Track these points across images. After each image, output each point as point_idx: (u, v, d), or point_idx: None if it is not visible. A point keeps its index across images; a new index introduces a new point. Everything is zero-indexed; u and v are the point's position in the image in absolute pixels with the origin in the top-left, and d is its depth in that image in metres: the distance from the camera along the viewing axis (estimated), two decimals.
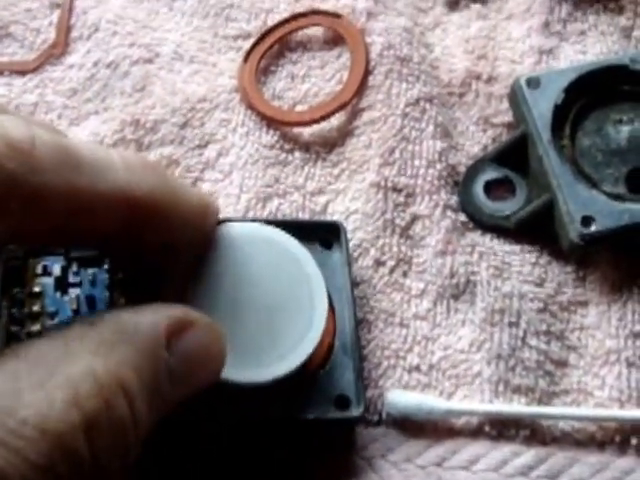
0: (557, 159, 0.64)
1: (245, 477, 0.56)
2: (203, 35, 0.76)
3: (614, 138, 0.66)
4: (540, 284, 0.64)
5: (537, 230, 0.66)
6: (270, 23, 0.75)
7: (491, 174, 0.68)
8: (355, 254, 0.64)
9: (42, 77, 0.73)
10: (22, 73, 0.72)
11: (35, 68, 0.73)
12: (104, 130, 0.69)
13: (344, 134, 0.70)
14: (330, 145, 0.70)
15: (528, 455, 0.58)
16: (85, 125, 0.70)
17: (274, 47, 0.74)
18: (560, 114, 0.66)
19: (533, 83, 0.67)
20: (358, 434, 0.58)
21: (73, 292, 0.53)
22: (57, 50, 0.74)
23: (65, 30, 0.75)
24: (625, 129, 0.67)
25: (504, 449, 0.58)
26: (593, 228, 0.61)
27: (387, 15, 0.75)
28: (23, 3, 0.77)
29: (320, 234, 0.62)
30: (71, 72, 0.73)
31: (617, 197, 0.63)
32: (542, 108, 0.66)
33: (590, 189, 0.63)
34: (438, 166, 0.67)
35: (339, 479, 0.57)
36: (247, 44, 0.74)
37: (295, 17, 0.75)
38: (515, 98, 0.67)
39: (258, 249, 0.55)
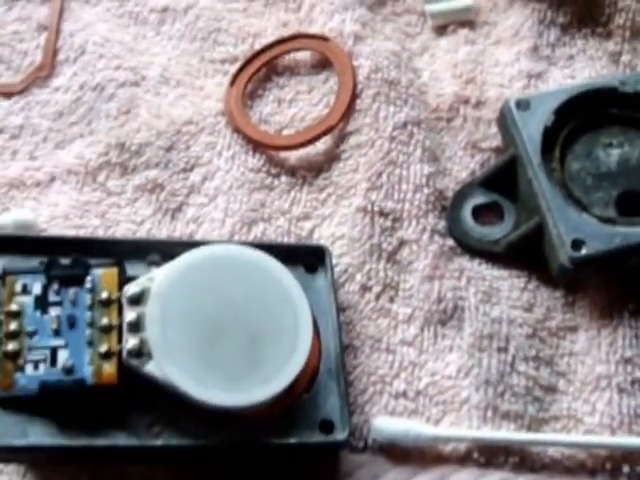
0: (547, 182, 0.61)
1: None
2: (190, 59, 0.74)
3: (604, 161, 0.64)
4: (529, 309, 0.62)
5: (526, 255, 0.63)
6: (257, 47, 0.73)
7: (479, 199, 0.66)
8: (341, 279, 0.62)
9: (28, 100, 0.71)
10: (8, 95, 0.71)
11: (21, 90, 0.71)
12: (89, 153, 0.67)
13: (331, 158, 0.68)
14: (316, 169, 0.68)
15: None
16: (70, 148, 0.68)
17: (261, 71, 0.72)
18: (550, 137, 0.64)
19: (523, 105, 0.64)
20: (343, 460, 0.56)
21: (53, 311, 0.51)
22: (43, 72, 0.71)
23: (52, 52, 0.72)
24: (615, 152, 0.64)
25: (493, 476, 0.56)
26: (584, 251, 0.59)
27: (374, 39, 0.73)
28: (11, 26, 0.75)
29: (305, 258, 0.60)
30: (57, 95, 0.71)
31: (607, 220, 0.61)
32: (532, 130, 0.63)
33: (580, 212, 0.61)
34: (426, 190, 0.65)
35: None
36: (234, 68, 0.72)
37: (282, 40, 0.73)
38: (504, 120, 0.65)
39: (241, 272, 0.53)
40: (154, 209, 0.65)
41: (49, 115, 0.70)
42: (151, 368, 0.49)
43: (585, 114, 0.65)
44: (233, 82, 0.71)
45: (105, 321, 0.51)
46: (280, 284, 0.53)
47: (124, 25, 0.75)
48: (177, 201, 0.65)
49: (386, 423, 0.56)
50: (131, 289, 0.51)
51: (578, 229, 0.59)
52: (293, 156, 0.68)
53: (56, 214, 0.64)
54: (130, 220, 0.64)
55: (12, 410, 0.49)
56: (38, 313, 0.51)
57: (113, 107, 0.70)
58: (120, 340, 0.50)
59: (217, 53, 0.74)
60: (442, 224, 0.65)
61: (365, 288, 0.62)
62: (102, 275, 0.52)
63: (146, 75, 0.72)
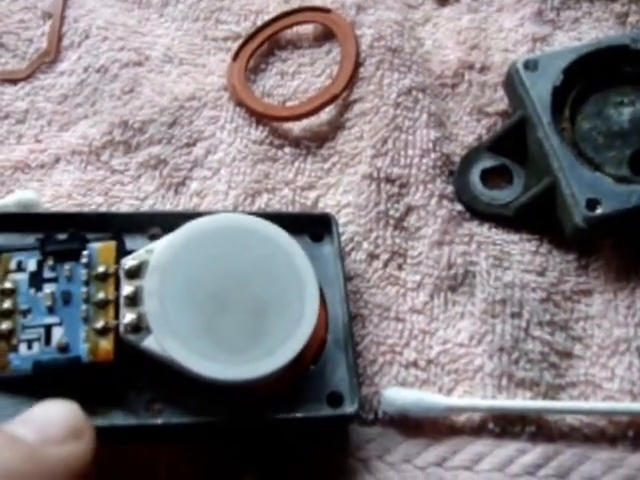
0: (558, 141, 0.56)
1: (233, 476, 0.49)
2: (193, 38, 0.69)
3: (616, 120, 0.59)
4: (542, 273, 0.57)
5: (537, 218, 0.59)
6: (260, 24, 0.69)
7: (487, 162, 0.61)
8: (348, 248, 0.57)
9: (33, 85, 0.66)
10: (14, 82, 0.66)
11: (27, 76, 0.66)
12: (92, 133, 0.62)
13: (335, 127, 0.64)
14: (321, 139, 0.63)
15: (535, 453, 0.51)
16: (74, 129, 0.63)
17: (264, 45, 0.68)
18: (559, 97, 0.59)
19: (531, 65, 0.59)
20: (353, 434, 0.51)
21: (48, 288, 0.47)
22: (48, 58, 0.67)
23: (57, 38, 0.68)
24: (627, 111, 0.59)
25: (509, 447, 0.51)
26: (599, 211, 0.54)
27: (377, 9, 0.68)
28: (16, 14, 0.70)
29: (310, 227, 0.55)
30: (62, 79, 0.66)
31: (622, 179, 0.55)
32: (541, 90, 0.58)
33: (593, 171, 0.55)
34: (432, 155, 0.60)
35: None
36: (237, 45, 0.68)
37: (284, 15, 0.68)
38: (512, 82, 0.60)
39: (244, 242, 0.48)
40: (157, 185, 0.60)
41: (54, 99, 0.65)
42: (150, 343, 0.44)
43: (595, 73, 0.60)
44: (235, 57, 0.66)
45: (101, 296, 0.46)
46: (285, 253, 0.48)
47: (128, 9, 0.71)
48: (180, 176, 0.61)
49: (397, 394, 0.51)
50: (128, 262, 0.46)
51: (592, 188, 0.54)
52: (297, 127, 0.64)
53: (60, 194, 0.59)
54: (133, 197, 0.60)
55: (6, 392, 0.45)
56: (32, 291, 0.46)
57: (117, 87, 0.65)
58: (117, 315, 0.46)
59: (220, 31, 0.69)
60: (450, 189, 0.60)
61: (372, 256, 0.57)
62: (99, 249, 0.47)
63: (149, 55, 0.67)
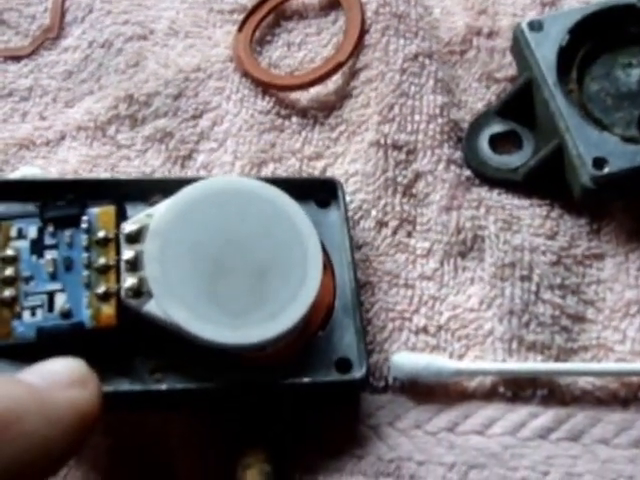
0: (564, 101, 0.56)
1: (243, 445, 0.48)
2: (198, 11, 0.69)
3: (624, 82, 0.59)
4: (552, 237, 0.57)
5: (547, 182, 0.58)
6: None
7: (496, 127, 0.61)
8: (356, 216, 0.57)
9: (37, 62, 0.67)
10: (17, 59, 0.67)
11: (30, 53, 0.67)
12: (98, 109, 0.63)
13: (342, 96, 0.64)
14: (328, 108, 0.63)
15: (547, 416, 0.51)
16: (79, 106, 0.64)
17: (269, 16, 0.68)
18: (565, 57, 0.58)
19: (536, 26, 0.59)
20: (363, 401, 0.51)
21: (49, 254, 0.47)
22: (52, 34, 0.67)
23: (60, 14, 0.68)
24: (635, 72, 0.59)
25: (520, 411, 0.51)
26: (606, 170, 0.53)
27: None
28: None
29: (316, 192, 0.55)
30: (66, 55, 0.67)
31: (630, 139, 0.55)
32: (546, 51, 0.58)
33: (600, 131, 0.55)
34: (440, 120, 0.60)
35: (344, 449, 0.50)
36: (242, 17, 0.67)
37: None
38: (518, 44, 0.60)
39: (245, 205, 0.48)
40: (164, 158, 0.60)
41: (58, 75, 0.66)
42: (151, 307, 0.45)
43: (602, 34, 0.60)
44: (241, 28, 0.66)
45: (102, 261, 0.46)
46: (286, 216, 0.48)
47: None
48: (187, 148, 0.61)
49: (406, 358, 0.51)
50: (128, 227, 0.47)
51: (599, 148, 0.54)
52: (303, 97, 0.64)
53: (65, 170, 0.60)
54: (140, 171, 0.60)
55: (10, 359, 0.45)
56: (34, 258, 0.47)
57: (121, 61, 0.65)
58: (119, 281, 0.46)
59: (225, 4, 0.69)
60: (458, 155, 0.60)
61: (381, 224, 0.57)
62: (98, 214, 0.48)
63: (154, 29, 0.68)
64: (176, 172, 0.60)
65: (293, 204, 0.49)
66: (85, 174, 0.59)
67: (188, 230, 0.46)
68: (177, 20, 0.68)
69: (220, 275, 0.46)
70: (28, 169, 0.58)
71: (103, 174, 0.60)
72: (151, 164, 0.60)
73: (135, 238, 0.46)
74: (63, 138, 0.62)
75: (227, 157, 0.60)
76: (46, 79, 0.65)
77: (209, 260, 0.46)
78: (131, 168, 0.60)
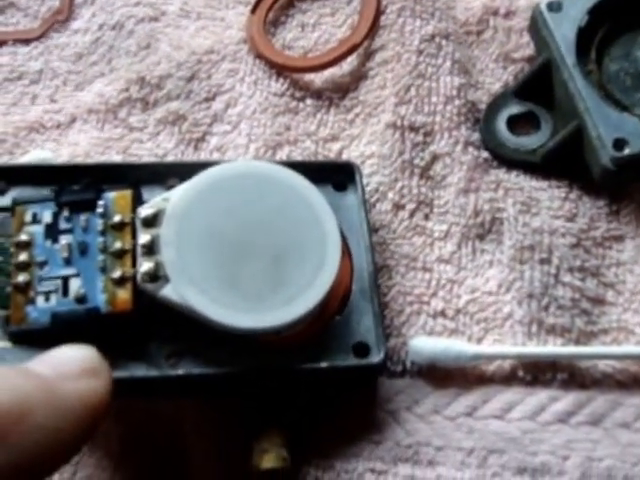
0: (583, 82, 0.55)
1: (259, 430, 0.48)
2: None
3: None
4: (571, 219, 0.56)
5: (565, 163, 0.58)
6: None
7: (514, 109, 0.60)
8: (373, 199, 0.57)
9: (47, 44, 0.66)
10: (27, 41, 0.66)
11: (40, 36, 0.66)
12: (109, 91, 0.62)
13: (357, 78, 0.63)
14: (343, 90, 0.62)
15: (567, 400, 0.50)
16: (90, 88, 0.63)
17: None
18: (584, 38, 0.58)
19: (555, 6, 0.58)
20: (381, 386, 0.51)
21: (64, 239, 0.46)
22: (62, 16, 0.67)
23: None
24: None
25: (540, 395, 0.51)
26: (627, 151, 0.53)
27: None
28: None
29: (333, 176, 0.54)
30: (76, 37, 0.66)
31: None
32: (565, 31, 0.57)
33: (620, 112, 0.55)
34: (457, 102, 0.60)
35: (361, 434, 0.50)
36: None
37: None
38: (536, 25, 0.59)
39: (262, 189, 0.48)
40: (176, 141, 0.60)
41: (68, 58, 0.65)
42: (167, 292, 0.44)
43: (621, 14, 0.59)
44: (254, 9, 0.65)
45: (118, 245, 0.46)
46: (304, 200, 0.48)
47: None
48: (200, 131, 0.60)
49: (424, 342, 0.51)
50: (145, 210, 0.46)
51: (619, 128, 0.53)
52: (318, 79, 0.63)
53: (77, 153, 0.59)
54: (153, 154, 0.59)
55: (25, 345, 0.45)
56: (48, 242, 0.46)
57: (132, 43, 0.65)
58: (134, 265, 0.45)
59: None
60: (476, 136, 0.59)
61: (398, 206, 0.57)
62: (115, 198, 0.47)
63: (165, 10, 0.67)
64: (189, 155, 0.59)
65: (311, 187, 0.48)
66: (97, 157, 0.59)
67: (205, 214, 0.46)
68: (189, 1, 0.67)
69: (237, 259, 0.45)
70: (39, 152, 0.57)
71: (117, 158, 0.59)
72: (164, 147, 0.59)
73: (151, 222, 0.46)
74: (74, 121, 0.61)
75: (241, 140, 0.60)
76: (56, 62, 0.65)
77: (226, 244, 0.45)
78: (143, 151, 0.59)
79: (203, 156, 0.59)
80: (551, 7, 0.58)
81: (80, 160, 0.59)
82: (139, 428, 0.50)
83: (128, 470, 0.49)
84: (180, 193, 0.46)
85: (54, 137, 0.60)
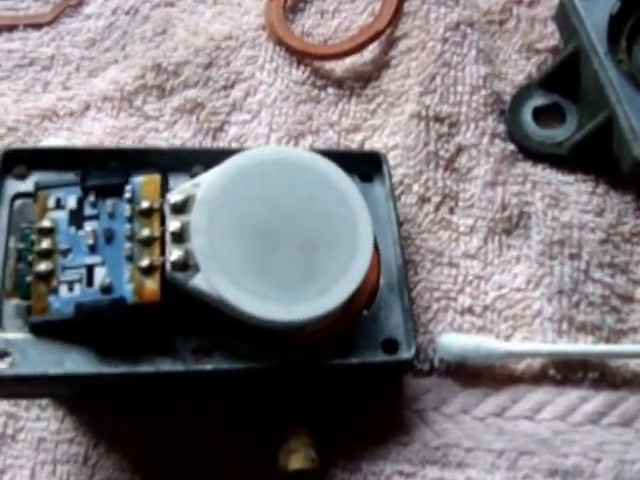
0: (615, 72, 0.54)
1: (287, 429, 0.47)
2: None
3: None
4: (600, 214, 0.55)
5: (592, 157, 0.56)
6: None
7: (539, 100, 0.59)
8: (397, 192, 0.55)
9: (59, 29, 0.64)
10: (38, 26, 0.64)
11: (51, 21, 0.64)
12: (124, 78, 0.60)
13: (379, 66, 0.62)
14: (365, 79, 0.61)
15: (598, 400, 0.49)
16: (104, 75, 0.61)
17: None
18: (615, 26, 0.56)
19: None
20: (407, 385, 0.50)
21: (89, 226, 0.44)
22: (73, 0, 0.65)
23: None
24: None
25: (571, 394, 0.50)
26: None
27: None
28: None
29: (359, 166, 0.53)
30: (89, 22, 0.64)
31: None
32: (596, 19, 0.56)
33: None
34: (483, 92, 0.58)
35: (388, 435, 0.48)
36: None
37: None
38: (564, 13, 0.58)
39: (294, 176, 0.46)
40: (194, 130, 0.58)
41: (81, 43, 0.63)
42: (198, 281, 0.42)
43: None
44: None
45: (146, 233, 0.44)
46: (337, 189, 0.46)
47: None
48: (218, 120, 0.59)
49: (454, 340, 0.50)
50: (174, 196, 0.44)
51: None
52: (339, 67, 0.61)
53: (91, 142, 0.57)
54: (169, 144, 0.58)
55: (46, 337, 0.43)
56: (72, 229, 0.44)
57: (148, 29, 0.63)
58: (163, 253, 0.43)
59: None
60: (502, 128, 0.58)
61: (423, 199, 0.56)
62: (143, 183, 0.45)
63: None
64: (207, 144, 0.58)
65: (343, 176, 0.47)
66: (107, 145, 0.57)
67: (236, 201, 0.44)
68: None
69: (268, 248, 0.44)
70: (52, 141, 0.56)
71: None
72: (180, 136, 0.58)
73: (181, 208, 0.44)
74: (87, 109, 0.59)
75: (261, 129, 0.58)
76: (68, 47, 0.63)
77: (257, 232, 0.44)
78: (159, 140, 0.58)
79: (222, 146, 0.58)
80: None
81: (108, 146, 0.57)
82: (160, 430, 0.48)
83: (149, 474, 0.47)
84: (211, 179, 0.45)
85: (67, 125, 0.59)
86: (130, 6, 0.65)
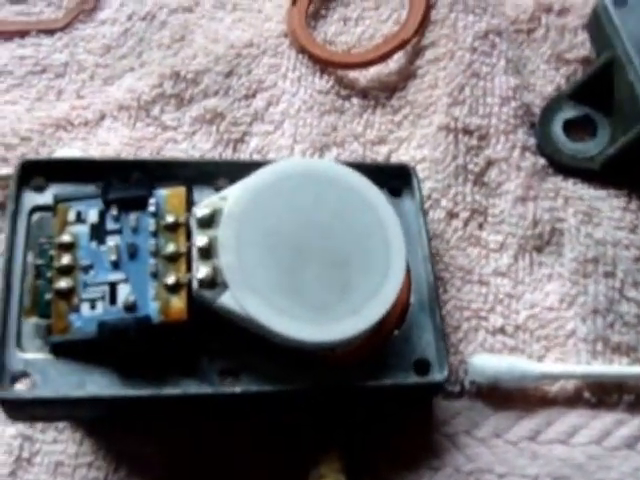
0: None
1: (316, 453, 0.46)
2: None
3: None
4: (633, 230, 0.54)
5: (625, 171, 0.56)
6: None
7: (570, 112, 0.58)
8: (425, 206, 0.54)
9: (72, 35, 0.62)
10: (51, 32, 0.62)
11: (64, 26, 0.63)
12: (141, 86, 0.59)
13: (405, 76, 0.60)
14: (390, 89, 0.60)
15: (634, 424, 0.48)
16: (120, 83, 0.60)
17: None
18: None
19: (620, 1, 0.56)
20: (437, 407, 0.48)
21: (112, 241, 0.43)
22: (88, 5, 0.63)
23: None
24: None
25: (606, 418, 0.48)
26: None
27: None
28: None
29: (387, 180, 0.51)
30: (103, 28, 0.63)
31: None
32: (632, 27, 0.55)
33: None
34: (513, 103, 0.57)
35: (419, 459, 0.47)
36: None
37: None
38: (598, 21, 0.57)
39: (325, 189, 0.45)
40: (214, 141, 0.57)
41: (96, 50, 0.62)
42: (226, 300, 0.41)
43: None
44: (295, 1, 0.62)
45: (172, 248, 0.43)
46: (368, 203, 0.45)
47: None
48: (239, 131, 0.57)
49: (487, 361, 0.48)
50: (201, 210, 0.43)
51: None
52: (363, 77, 0.60)
53: (107, 152, 0.56)
54: (188, 155, 0.56)
55: (67, 357, 0.42)
56: (94, 244, 0.43)
57: (165, 35, 0.62)
58: (189, 270, 0.42)
59: None
60: (532, 141, 0.57)
61: (451, 215, 0.54)
62: (167, 196, 0.44)
63: (200, 0, 0.64)
64: (227, 156, 0.56)
65: (374, 190, 0.46)
66: (129, 157, 0.55)
67: (265, 215, 0.43)
68: None
69: (298, 264, 0.42)
70: (67, 151, 0.54)
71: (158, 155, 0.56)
72: (200, 147, 0.56)
73: (208, 223, 0.43)
74: (103, 118, 0.58)
75: (285, 140, 0.57)
76: (83, 54, 0.61)
77: (287, 248, 0.43)
78: (178, 152, 0.56)
79: (242, 158, 0.56)
80: (616, 1, 0.56)
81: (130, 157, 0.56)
82: (185, 452, 0.47)
83: None
84: (238, 192, 0.44)
85: (82, 135, 0.57)
86: (146, 12, 0.63)
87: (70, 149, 0.55)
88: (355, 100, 0.59)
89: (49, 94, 0.59)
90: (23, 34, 0.62)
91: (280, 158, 0.56)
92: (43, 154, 0.55)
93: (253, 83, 0.59)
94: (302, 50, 0.61)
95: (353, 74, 0.60)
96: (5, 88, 0.59)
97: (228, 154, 0.56)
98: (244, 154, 0.57)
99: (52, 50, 0.62)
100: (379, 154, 0.57)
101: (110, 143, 0.57)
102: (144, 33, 0.62)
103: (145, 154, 0.56)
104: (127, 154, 0.56)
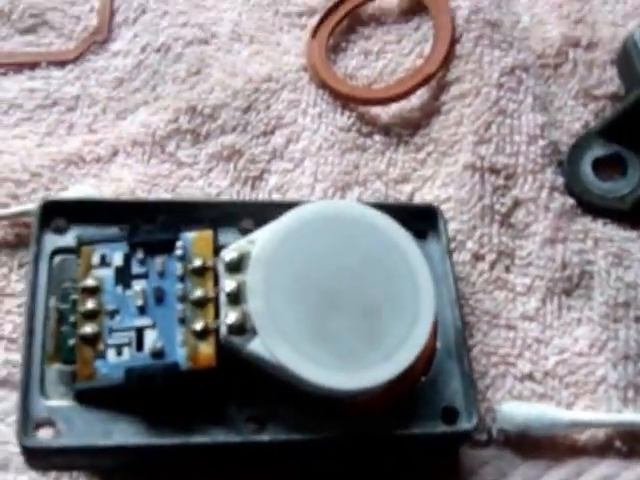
0: None
1: None
2: (263, 13, 0.67)
3: None
4: None
5: None
6: None
7: (599, 151, 0.60)
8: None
9: (84, 67, 0.64)
10: (61, 64, 0.64)
11: (76, 58, 0.65)
12: (155, 121, 0.61)
13: (428, 113, 0.62)
14: (413, 126, 0.62)
15: None
16: (134, 117, 0.62)
17: (344, 21, 0.66)
18: None
19: None
20: (464, 456, 0.50)
21: (138, 285, 0.45)
22: (100, 37, 0.66)
23: (108, 14, 0.67)
24: None
25: (638, 469, 0.50)
26: None
27: None
28: None
29: (413, 221, 0.52)
30: (116, 60, 0.65)
31: None
32: None
33: None
34: (540, 142, 0.59)
35: None
36: (313, 21, 0.66)
37: None
38: (627, 57, 0.60)
39: (354, 232, 0.47)
40: (232, 179, 0.59)
41: (108, 83, 0.63)
42: (256, 346, 0.43)
43: None
44: (314, 34, 0.65)
45: (199, 293, 0.44)
46: (397, 246, 0.47)
47: None
48: (258, 168, 0.59)
49: (516, 409, 0.50)
50: (229, 254, 0.45)
51: None
52: (385, 113, 0.62)
53: (121, 190, 0.57)
54: (205, 193, 0.58)
55: (93, 405, 0.43)
56: (119, 288, 0.45)
57: (181, 68, 0.64)
58: (217, 315, 0.44)
59: (292, 5, 0.68)
60: (560, 181, 0.59)
61: (477, 257, 0.56)
62: (195, 239, 0.46)
63: (216, 32, 0.66)
64: (246, 194, 0.58)
65: (402, 232, 0.48)
66: (144, 195, 0.57)
67: (293, 259, 0.45)
68: (240, 23, 0.66)
69: (328, 310, 0.44)
70: (80, 188, 0.56)
71: (167, 196, 0.58)
72: (217, 185, 0.58)
73: (236, 267, 0.45)
74: (116, 154, 0.59)
75: (305, 179, 0.59)
76: (94, 87, 0.63)
77: (316, 292, 0.44)
78: (194, 189, 0.58)
79: (261, 196, 0.58)
80: None
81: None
82: None
83: None
84: (266, 235, 0.46)
85: (94, 172, 0.59)
86: (161, 43, 0.65)
87: (82, 186, 0.57)
88: (377, 137, 0.61)
89: (60, 128, 0.61)
90: (33, 66, 0.64)
91: (301, 197, 0.58)
92: (54, 191, 0.57)
93: (272, 119, 0.61)
94: (322, 85, 0.63)
95: (375, 110, 0.62)
96: (14, 122, 0.61)
97: (246, 192, 0.58)
98: (262, 192, 0.58)
99: (63, 83, 0.63)
100: (402, 193, 0.59)
101: (123, 180, 0.58)
102: (158, 66, 0.64)
103: (160, 191, 0.58)
104: (141, 191, 0.57)
